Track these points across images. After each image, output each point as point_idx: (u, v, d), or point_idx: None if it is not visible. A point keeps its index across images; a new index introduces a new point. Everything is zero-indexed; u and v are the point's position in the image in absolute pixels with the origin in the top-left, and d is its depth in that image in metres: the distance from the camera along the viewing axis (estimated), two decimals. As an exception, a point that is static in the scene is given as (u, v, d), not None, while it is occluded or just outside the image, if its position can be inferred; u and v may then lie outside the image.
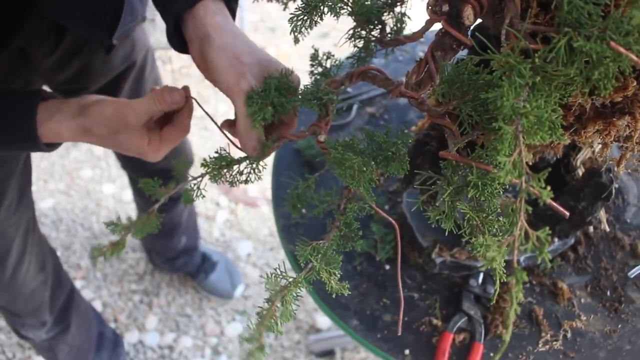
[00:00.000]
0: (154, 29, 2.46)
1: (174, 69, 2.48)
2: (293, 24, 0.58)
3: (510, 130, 0.41)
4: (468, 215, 0.48)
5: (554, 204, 0.45)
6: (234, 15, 0.68)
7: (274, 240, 1.97)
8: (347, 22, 0.66)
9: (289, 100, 0.60)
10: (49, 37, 0.88)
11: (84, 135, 0.65)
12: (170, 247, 1.64)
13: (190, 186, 0.63)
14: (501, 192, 0.47)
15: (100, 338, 1.52)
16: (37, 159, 2.11)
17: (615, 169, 0.64)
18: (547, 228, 0.38)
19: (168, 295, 1.82)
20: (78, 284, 1.82)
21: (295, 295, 0.54)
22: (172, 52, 2.53)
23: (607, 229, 0.88)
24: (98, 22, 0.84)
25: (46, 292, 1.22)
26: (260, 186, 2.11)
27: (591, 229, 0.89)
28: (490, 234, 0.48)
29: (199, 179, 0.63)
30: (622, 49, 0.41)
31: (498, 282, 0.43)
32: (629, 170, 0.96)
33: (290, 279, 0.54)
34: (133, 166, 1.41)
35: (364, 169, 0.55)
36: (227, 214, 2.04)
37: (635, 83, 0.50)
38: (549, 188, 0.38)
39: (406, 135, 0.60)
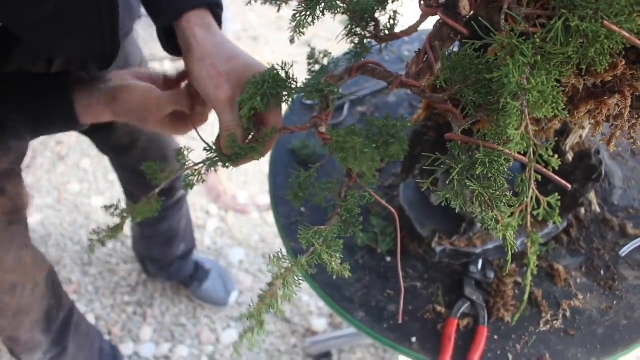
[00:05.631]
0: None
1: (157, 80, 2.48)
2: (297, 20, 0.60)
3: (516, 105, 0.43)
4: (477, 192, 0.50)
5: (556, 176, 0.47)
6: (219, 20, 0.71)
7: (266, 246, 1.98)
8: (329, 30, 0.69)
9: (289, 91, 0.63)
10: (42, 57, 0.88)
11: (119, 118, 0.71)
12: (170, 255, 1.64)
13: (192, 172, 0.65)
14: (506, 169, 0.50)
15: (100, 354, 1.51)
16: (23, 174, 2.09)
17: (605, 148, 0.67)
18: (557, 194, 0.40)
19: (162, 305, 1.81)
20: (70, 298, 1.79)
21: (296, 279, 0.56)
22: (156, 64, 2.53)
23: (598, 210, 0.92)
24: (92, 59, 0.84)
25: (40, 311, 1.19)
26: (250, 193, 2.12)
27: (582, 211, 0.92)
28: (498, 209, 0.50)
29: (200, 165, 0.65)
30: (615, 27, 0.44)
31: (510, 250, 0.46)
32: (619, 148, 1.01)
33: (292, 262, 0.56)
34: (132, 181, 1.41)
35: (365, 150, 0.57)
36: (218, 221, 2.04)
37: (624, 62, 0.54)
38: (556, 156, 0.41)
39: (405, 119, 0.62)
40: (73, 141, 2.25)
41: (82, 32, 0.74)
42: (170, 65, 2.55)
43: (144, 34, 2.38)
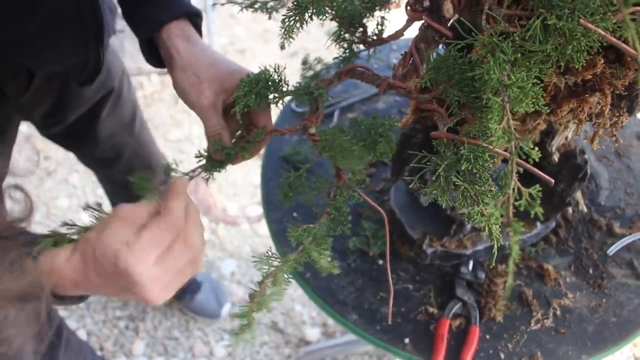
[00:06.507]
0: (123, 55, 2.47)
1: (146, 94, 2.48)
2: (286, 25, 0.61)
3: (498, 101, 0.45)
4: (462, 188, 0.51)
5: (539, 171, 0.49)
6: (199, 29, 0.73)
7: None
8: (315, 41, 0.71)
9: (281, 93, 0.64)
10: (23, 71, 0.87)
11: None
12: None
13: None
14: (490, 165, 0.51)
15: None
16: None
17: (591, 149, 0.69)
18: (538, 185, 0.42)
19: (154, 319, 1.79)
20: (60, 314, 1.78)
21: (285, 277, 0.56)
22: (144, 78, 2.54)
23: (585, 211, 0.93)
24: (75, 74, 0.83)
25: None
26: (240, 204, 2.12)
27: (570, 211, 0.94)
28: (483, 204, 0.51)
29: (195, 172, 0.66)
30: (591, 25, 0.46)
31: (496, 243, 0.47)
32: (603, 146, 1.02)
33: (282, 261, 0.56)
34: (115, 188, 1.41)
35: (353, 147, 0.58)
36: (209, 234, 2.04)
37: (602, 61, 0.56)
38: (536, 149, 0.42)
39: (392, 118, 0.63)
40: (61, 156, 2.24)
41: (66, 48, 0.74)
42: (157, 79, 2.56)
43: (131, 48, 2.39)
